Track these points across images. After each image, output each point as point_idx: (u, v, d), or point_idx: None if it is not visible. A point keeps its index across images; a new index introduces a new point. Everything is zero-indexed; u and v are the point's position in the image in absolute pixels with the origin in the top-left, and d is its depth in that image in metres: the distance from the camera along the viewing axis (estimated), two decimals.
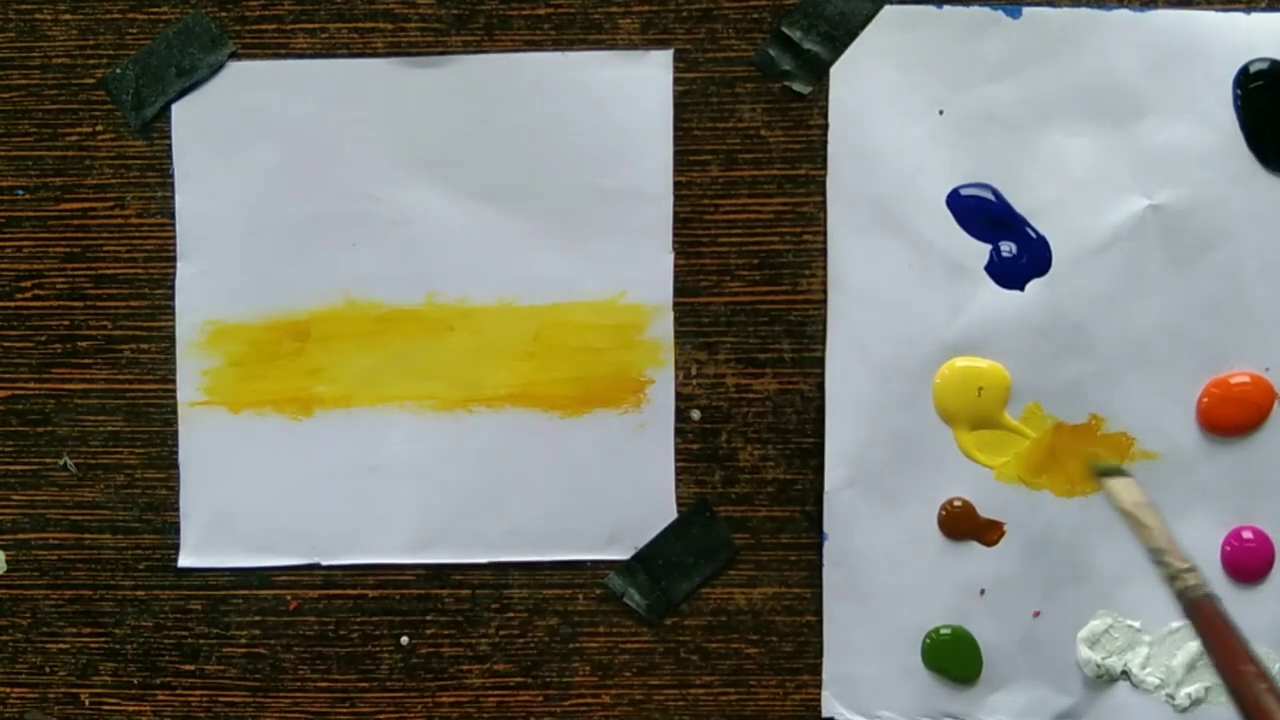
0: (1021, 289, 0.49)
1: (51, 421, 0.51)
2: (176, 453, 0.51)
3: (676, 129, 0.50)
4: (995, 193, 0.49)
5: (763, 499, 0.51)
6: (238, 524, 0.51)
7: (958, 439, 0.50)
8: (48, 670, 0.52)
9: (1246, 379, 0.49)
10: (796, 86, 0.50)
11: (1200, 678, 0.50)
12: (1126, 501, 0.43)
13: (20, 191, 0.51)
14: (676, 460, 0.51)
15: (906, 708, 0.51)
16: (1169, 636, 0.50)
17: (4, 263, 0.51)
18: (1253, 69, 0.48)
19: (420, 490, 0.51)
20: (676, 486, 0.51)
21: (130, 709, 0.52)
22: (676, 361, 0.50)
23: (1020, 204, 0.49)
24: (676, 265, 0.50)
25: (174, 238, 0.50)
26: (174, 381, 0.51)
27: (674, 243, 0.50)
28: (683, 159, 0.50)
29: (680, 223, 0.50)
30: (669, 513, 0.51)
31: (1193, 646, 0.50)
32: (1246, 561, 0.50)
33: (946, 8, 0.49)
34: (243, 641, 0.51)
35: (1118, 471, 0.45)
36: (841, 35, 0.49)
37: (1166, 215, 0.49)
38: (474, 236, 0.50)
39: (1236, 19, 0.48)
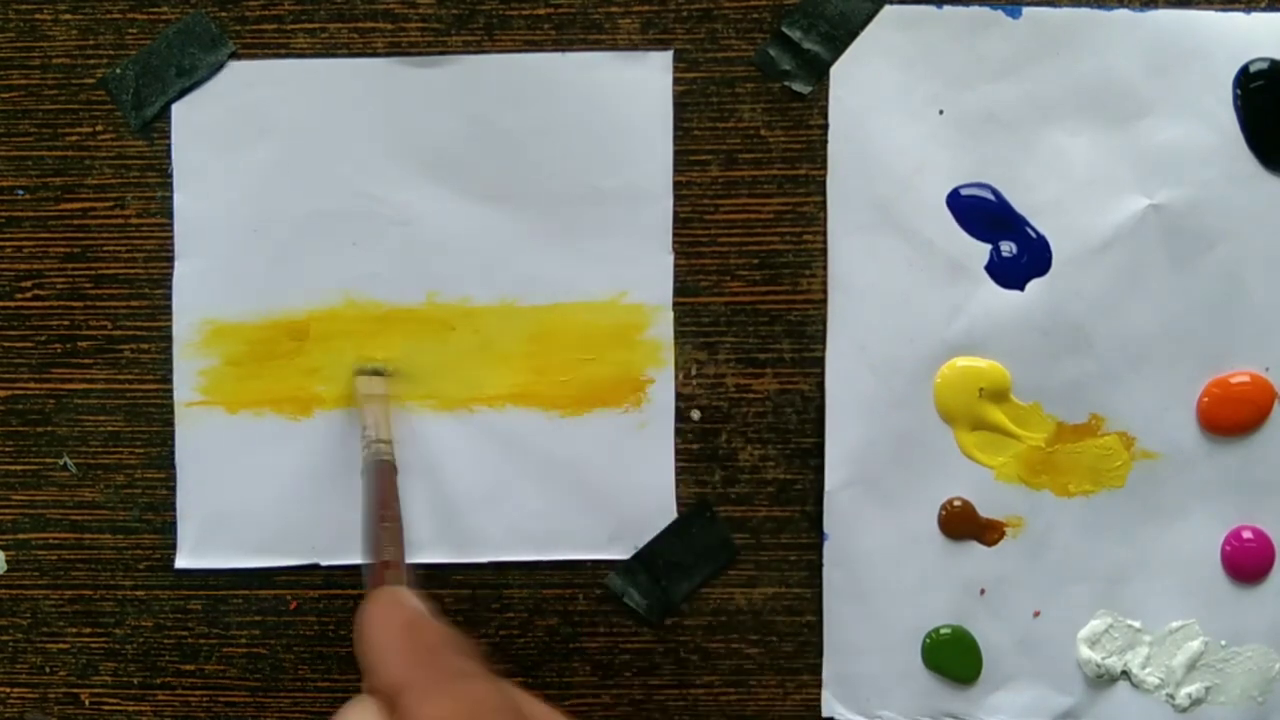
0: (1022, 289, 0.49)
1: (51, 421, 0.51)
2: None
3: (676, 129, 0.50)
4: (995, 193, 0.49)
5: (763, 499, 0.51)
6: (236, 524, 0.51)
7: (958, 439, 0.50)
8: (48, 670, 0.52)
9: (1246, 379, 0.49)
10: (796, 86, 0.50)
11: (1201, 677, 0.50)
12: (361, 394, 0.49)
13: (20, 191, 0.51)
14: (677, 460, 0.51)
15: (906, 707, 0.51)
16: (1169, 636, 0.50)
17: (4, 263, 0.51)
18: (1253, 69, 0.48)
19: (420, 490, 0.51)
20: (677, 486, 0.51)
21: (130, 709, 0.52)
22: (676, 361, 0.50)
23: (1020, 204, 0.49)
24: (676, 265, 0.50)
25: (174, 237, 0.50)
26: (173, 381, 0.51)
27: (674, 243, 0.50)
28: (683, 159, 0.50)
29: (680, 223, 0.50)
30: (669, 512, 0.51)
31: (1192, 646, 0.50)
32: (1246, 561, 0.50)
33: (947, 7, 0.49)
34: (243, 641, 0.52)
35: (375, 372, 0.50)
36: (842, 35, 0.49)
37: (1167, 215, 0.49)
38: (474, 236, 0.50)
39: (1237, 19, 0.48)
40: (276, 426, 0.51)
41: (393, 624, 0.39)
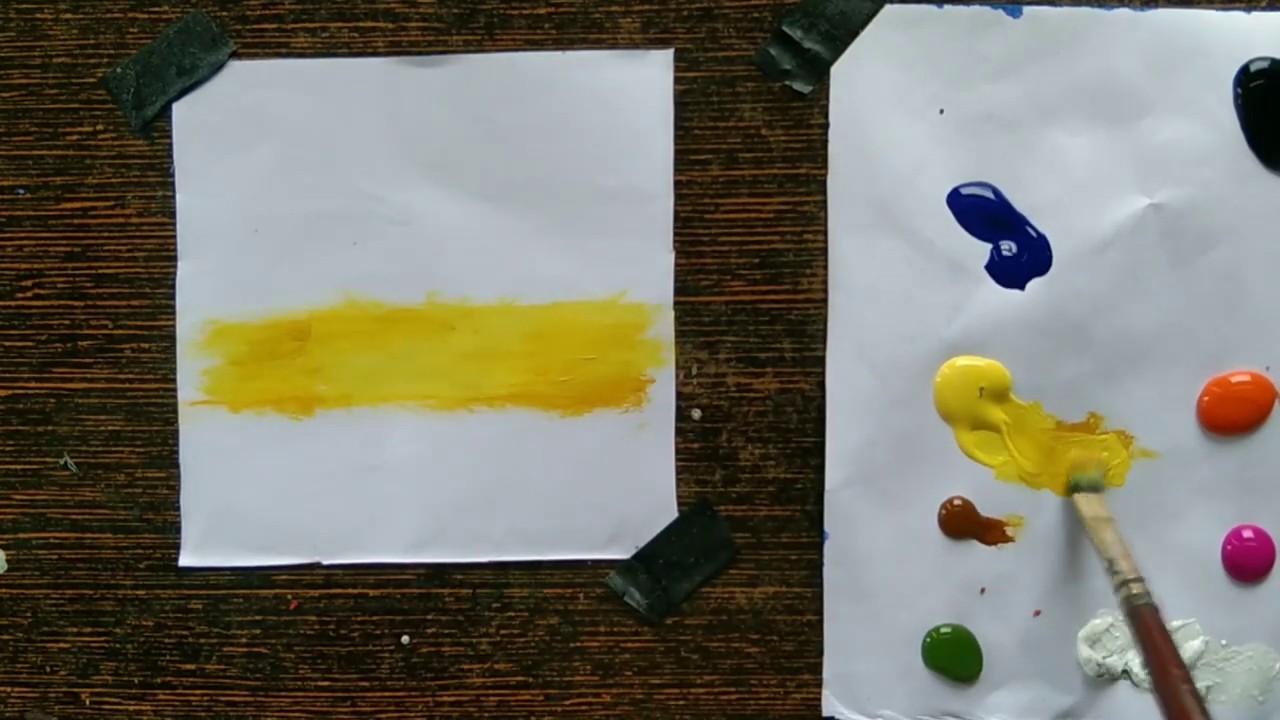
0: (1022, 288, 0.49)
1: (52, 421, 0.51)
2: (177, 452, 0.51)
3: (677, 128, 0.50)
4: (996, 192, 0.49)
5: (763, 498, 0.51)
6: (238, 523, 0.51)
7: (958, 438, 0.50)
8: (48, 670, 0.52)
9: (1247, 378, 0.49)
10: (797, 86, 0.50)
11: (1200, 677, 0.50)
12: (1087, 514, 0.48)
13: (21, 191, 0.51)
14: (677, 459, 0.51)
15: (907, 707, 0.51)
16: None
17: (4, 262, 0.51)
18: (1253, 68, 0.48)
19: (421, 490, 0.51)
20: (677, 486, 0.51)
21: (131, 708, 0.52)
22: (677, 361, 0.50)
23: (1021, 203, 0.49)
24: (677, 264, 0.50)
25: (174, 237, 0.50)
26: (174, 381, 0.51)
27: (674, 242, 0.50)
28: (683, 158, 0.50)
29: (681, 222, 0.50)
30: (670, 512, 0.51)
31: (1193, 645, 0.50)
32: (1247, 560, 0.50)
33: (947, 7, 0.49)
34: (243, 641, 0.52)
35: (1091, 486, 0.49)
36: (842, 34, 0.49)
37: (1167, 214, 0.49)
38: (474, 236, 0.50)
39: (1237, 18, 0.48)
40: (278, 426, 0.51)
41: None
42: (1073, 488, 0.49)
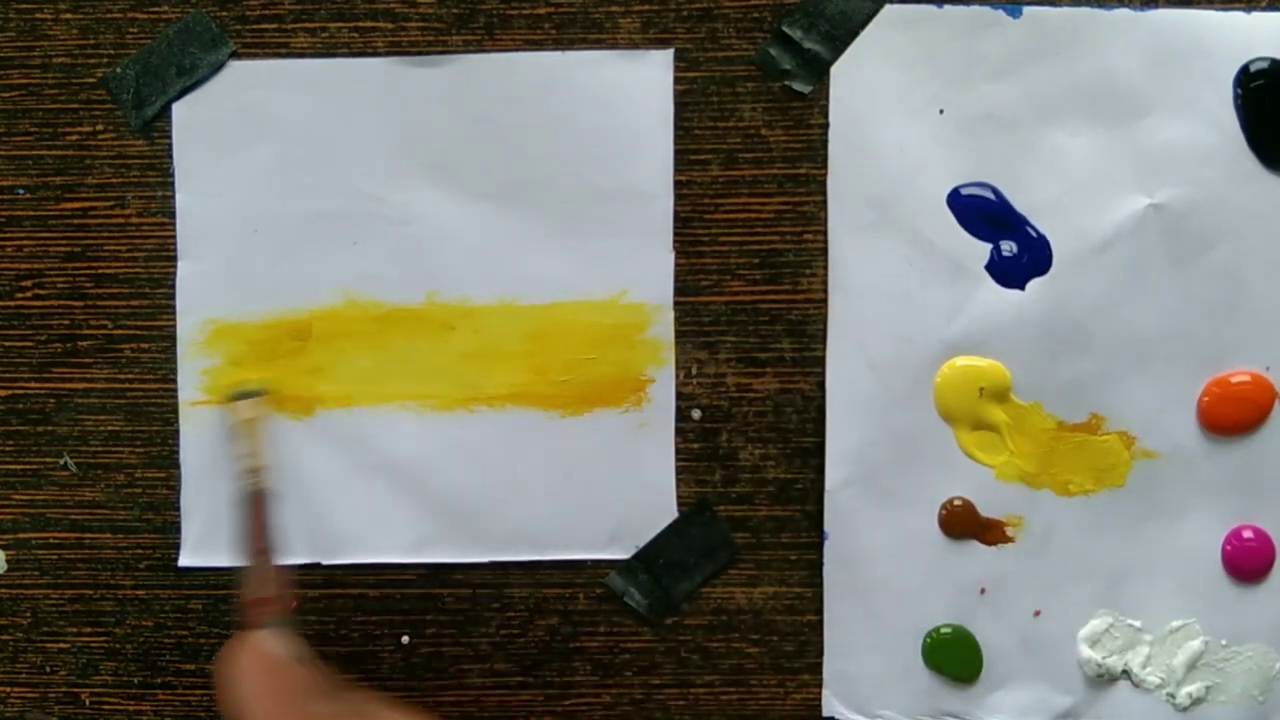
0: (1022, 288, 0.49)
1: (52, 421, 0.51)
2: (177, 452, 0.51)
3: (677, 128, 0.50)
4: (996, 192, 0.49)
5: (763, 498, 0.51)
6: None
7: (958, 438, 0.50)
8: (48, 670, 0.52)
9: (1247, 378, 0.49)
10: (797, 86, 0.50)
11: (1201, 677, 0.50)
12: (229, 421, 0.50)
13: (21, 191, 0.51)
14: (677, 459, 0.51)
15: (907, 707, 0.51)
16: (1169, 636, 0.50)
17: (4, 262, 0.51)
18: (1253, 68, 0.48)
19: (420, 490, 0.51)
20: (677, 486, 0.51)
21: (131, 708, 0.52)
22: (677, 361, 0.50)
23: (1021, 203, 0.49)
24: (677, 264, 0.50)
25: (174, 237, 0.50)
26: (174, 381, 0.51)
27: (674, 242, 0.50)
28: (683, 158, 0.50)
29: (681, 222, 0.50)
30: (670, 512, 0.51)
31: (1193, 645, 0.50)
32: (1247, 561, 0.50)
33: (947, 7, 0.49)
34: None
35: (250, 394, 0.50)
36: (842, 34, 0.49)
37: (1167, 214, 0.49)
38: (474, 236, 0.50)
39: (1237, 18, 0.48)
40: (278, 426, 0.51)
41: (255, 672, 0.42)
42: (232, 399, 0.50)
